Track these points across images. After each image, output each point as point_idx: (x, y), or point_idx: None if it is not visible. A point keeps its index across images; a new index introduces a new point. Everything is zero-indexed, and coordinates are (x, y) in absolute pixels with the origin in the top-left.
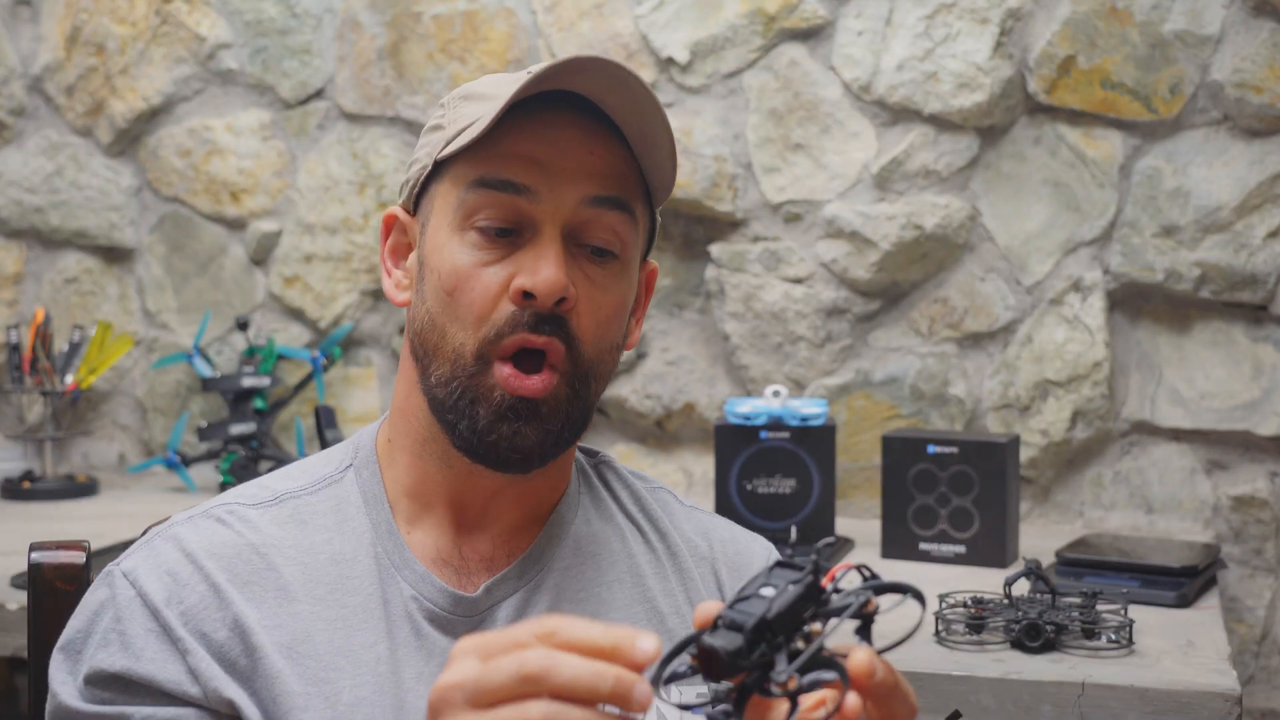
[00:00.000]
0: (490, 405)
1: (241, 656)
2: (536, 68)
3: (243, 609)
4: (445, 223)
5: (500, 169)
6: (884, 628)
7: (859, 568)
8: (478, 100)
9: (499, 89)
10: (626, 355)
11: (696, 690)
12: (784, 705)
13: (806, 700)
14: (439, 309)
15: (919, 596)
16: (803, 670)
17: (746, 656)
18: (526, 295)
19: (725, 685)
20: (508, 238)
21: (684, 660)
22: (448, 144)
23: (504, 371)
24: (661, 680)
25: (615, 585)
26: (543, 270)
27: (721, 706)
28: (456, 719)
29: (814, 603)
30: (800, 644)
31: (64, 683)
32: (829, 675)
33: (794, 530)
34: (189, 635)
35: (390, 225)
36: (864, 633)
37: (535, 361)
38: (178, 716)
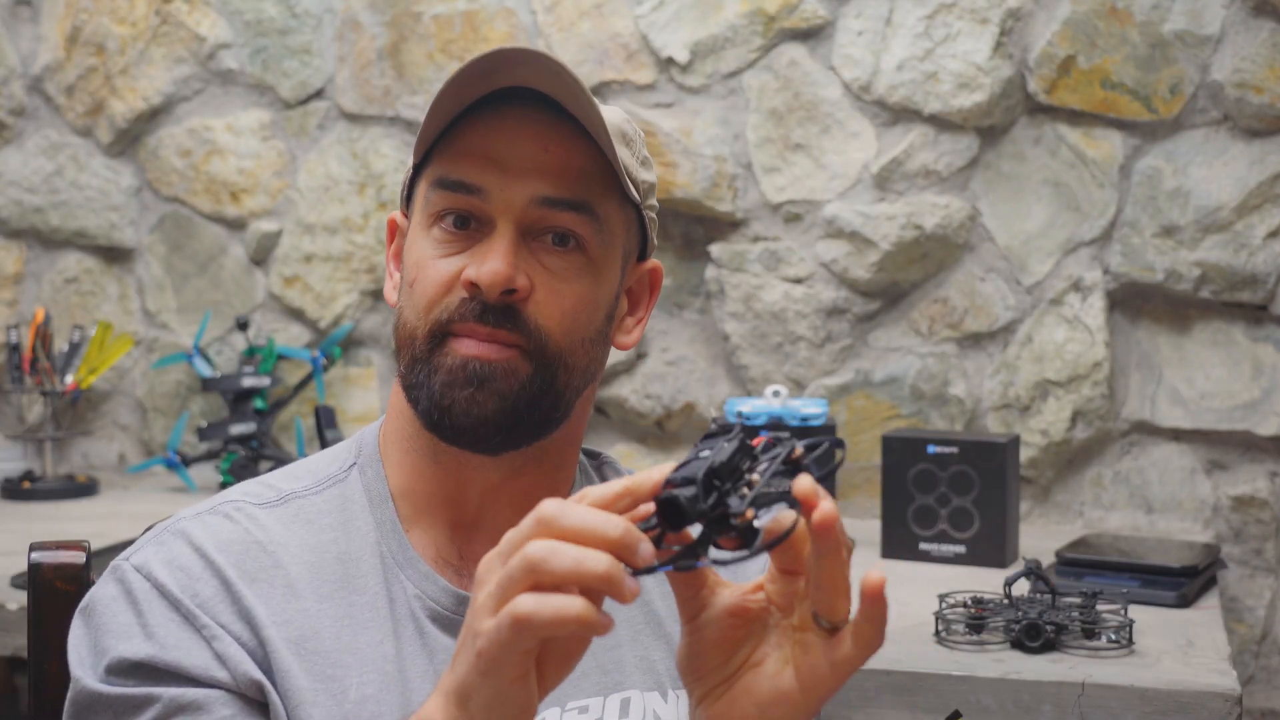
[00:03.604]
0: (444, 371)
1: (257, 649)
2: (468, 61)
3: (252, 603)
4: (418, 221)
5: (454, 169)
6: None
7: (776, 436)
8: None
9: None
10: (627, 355)
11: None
12: (716, 584)
13: (748, 573)
14: (405, 302)
15: (839, 443)
16: (755, 505)
17: (704, 502)
18: (474, 285)
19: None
20: (466, 230)
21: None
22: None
23: (459, 341)
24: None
25: None
26: (489, 262)
27: (685, 561)
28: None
29: (748, 456)
30: (745, 490)
31: (85, 672)
32: (777, 508)
33: None
34: (212, 622)
35: (393, 229)
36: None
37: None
38: (206, 697)
